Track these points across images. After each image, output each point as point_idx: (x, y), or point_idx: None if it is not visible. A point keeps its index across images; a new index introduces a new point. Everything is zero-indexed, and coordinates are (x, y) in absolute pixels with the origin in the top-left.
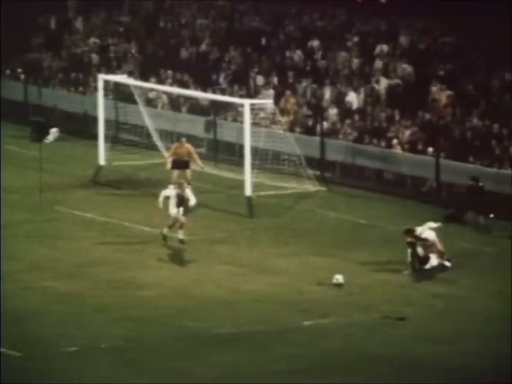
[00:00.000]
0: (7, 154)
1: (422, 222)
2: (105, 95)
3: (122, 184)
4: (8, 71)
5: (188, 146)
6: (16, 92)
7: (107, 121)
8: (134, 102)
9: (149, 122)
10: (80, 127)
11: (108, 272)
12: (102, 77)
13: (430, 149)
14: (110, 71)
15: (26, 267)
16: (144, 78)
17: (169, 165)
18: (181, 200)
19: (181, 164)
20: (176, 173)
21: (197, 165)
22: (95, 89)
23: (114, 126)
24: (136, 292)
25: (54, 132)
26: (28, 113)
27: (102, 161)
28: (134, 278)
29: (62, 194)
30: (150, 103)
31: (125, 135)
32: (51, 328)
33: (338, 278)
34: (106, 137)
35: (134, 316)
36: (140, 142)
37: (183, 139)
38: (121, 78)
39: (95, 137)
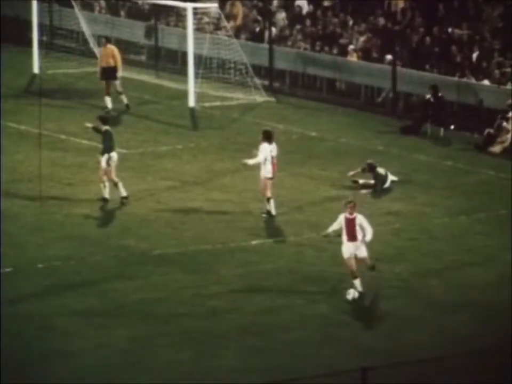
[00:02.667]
0: None
1: (377, 134)
2: None
3: (58, 94)
4: None
5: (111, 47)
6: None
7: (41, 26)
8: (69, 5)
9: (85, 28)
10: (12, 32)
11: (45, 188)
12: None
13: (388, 57)
14: None
15: None
16: None
17: (99, 74)
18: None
19: (107, 72)
20: (105, 83)
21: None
22: None
23: (48, 32)
24: (74, 209)
25: None
26: None
27: (36, 69)
28: (71, 194)
29: None
30: (86, 6)
31: (60, 41)
32: None
33: (351, 293)
34: (41, 44)
35: (72, 235)
36: (76, 49)
37: (104, 40)
38: None
39: (28, 43)
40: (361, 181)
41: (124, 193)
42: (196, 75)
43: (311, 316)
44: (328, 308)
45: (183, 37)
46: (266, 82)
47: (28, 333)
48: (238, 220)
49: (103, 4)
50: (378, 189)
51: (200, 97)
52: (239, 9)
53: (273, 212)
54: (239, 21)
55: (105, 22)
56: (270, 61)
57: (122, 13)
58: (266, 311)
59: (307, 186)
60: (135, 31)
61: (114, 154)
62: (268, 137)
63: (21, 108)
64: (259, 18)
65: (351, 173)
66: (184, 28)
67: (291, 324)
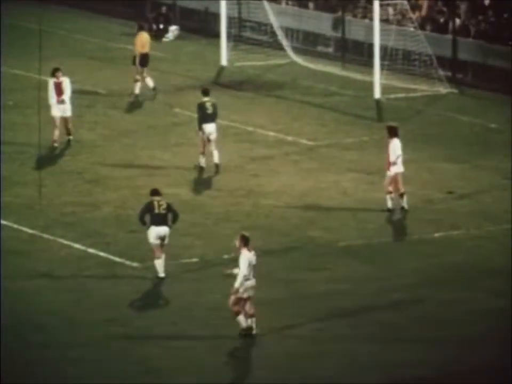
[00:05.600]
0: (124, 54)
1: None
2: None
3: (246, 86)
4: None
5: (142, 34)
6: None
7: (229, 19)
8: None
9: (273, 20)
10: (201, 25)
11: (231, 179)
12: None
13: None
14: None
15: (146, 173)
16: None
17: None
18: None
19: (142, 58)
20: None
21: None
22: None
23: (237, 24)
24: (261, 201)
25: (173, 30)
26: (145, 10)
27: (224, 61)
28: (258, 185)
29: (182, 97)
30: None
31: (248, 34)
32: (172, 237)
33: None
34: (229, 36)
35: (258, 226)
36: (264, 41)
37: (137, 25)
38: None
39: (217, 35)
40: None
41: (216, 160)
42: (382, 67)
43: (491, 311)
44: (509, 302)
45: (370, 29)
46: (449, 74)
47: (216, 322)
48: (420, 211)
49: None
50: None
51: (385, 88)
52: (424, 0)
53: (406, 206)
54: (424, 12)
55: (292, 14)
56: (453, 52)
57: (310, 5)
58: (446, 304)
59: (489, 178)
60: (323, 23)
61: (206, 126)
62: (396, 132)
63: None
64: (444, 9)
65: None
66: (371, 19)
67: (469, 317)
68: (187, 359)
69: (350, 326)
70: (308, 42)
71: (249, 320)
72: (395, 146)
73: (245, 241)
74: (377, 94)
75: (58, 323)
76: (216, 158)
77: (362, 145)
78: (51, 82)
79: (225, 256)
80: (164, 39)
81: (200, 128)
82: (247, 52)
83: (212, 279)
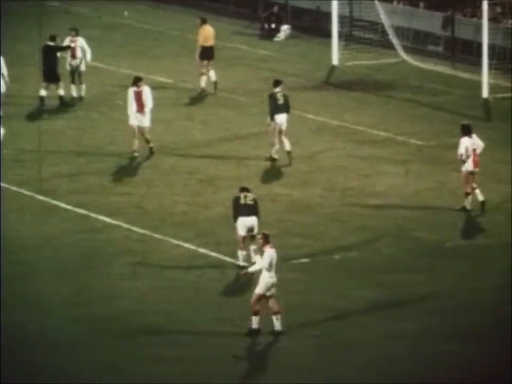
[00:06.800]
0: (235, 53)
1: None
2: None
3: (356, 86)
4: None
5: (206, 27)
6: None
7: (341, 18)
8: None
9: (384, 19)
10: (312, 24)
11: (341, 179)
12: None
13: None
14: None
15: (257, 173)
16: None
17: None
18: None
19: (204, 52)
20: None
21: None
22: None
23: (348, 23)
24: (370, 201)
25: (285, 29)
26: (257, 9)
27: (335, 61)
28: (368, 185)
29: (293, 96)
30: None
31: (359, 33)
32: (281, 237)
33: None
34: (340, 35)
35: (368, 226)
36: (375, 40)
37: (200, 19)
38: None
39: (328, 34)
40: None
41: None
42: (490, 66)
43: None
44: None
45: (478, 28)
46: None
47: (324, 323)
48: None
49: None
50: None
51: (493, 88)
52: None
53: (468, 207)
54: None
55: (403, 13)
56: None
57: (421, 4)
58: None
59: None
60: (433, 22)
61: (277, 117)
62: (467, 131)
63: (320, 99)
64: None
65: None
66: (480, 18)
67: None
68: (295, 358)
69: (440, 327)
70: (418, 41)
71: (274, 317)
72: (461, 145)
73: (266, 239)
74: (485, 93)
75: (169, 322)
76: (287, 146)
77: None
78: (131, 90)
79: (336, 257)
80: (276, 39)
81: (272, 119)
82: (358, 51)
83: (321, 280)
